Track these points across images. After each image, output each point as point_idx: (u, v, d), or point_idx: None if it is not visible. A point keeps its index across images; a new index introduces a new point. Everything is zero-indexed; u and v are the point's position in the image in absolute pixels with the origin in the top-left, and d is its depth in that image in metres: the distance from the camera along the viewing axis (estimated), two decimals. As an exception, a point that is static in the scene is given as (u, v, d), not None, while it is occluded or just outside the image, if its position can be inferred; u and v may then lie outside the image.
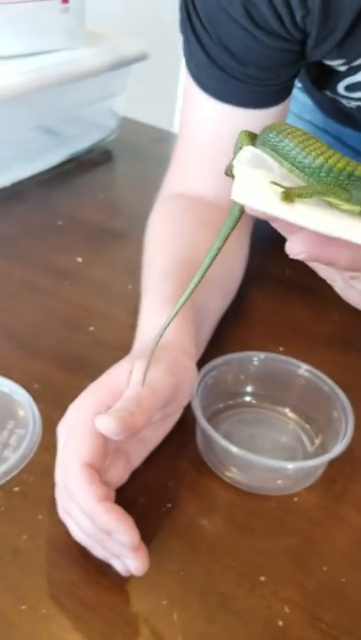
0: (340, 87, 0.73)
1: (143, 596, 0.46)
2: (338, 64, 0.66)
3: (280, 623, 0.45)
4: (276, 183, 0.31)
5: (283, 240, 0.33)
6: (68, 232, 0.87)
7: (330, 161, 0.31)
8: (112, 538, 0.44)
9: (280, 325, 0.73)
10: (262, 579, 0.48)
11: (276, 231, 0.36)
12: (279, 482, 0.55)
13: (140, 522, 0.45)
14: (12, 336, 0.67)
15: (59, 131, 1.03)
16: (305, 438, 0.60)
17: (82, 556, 0.47)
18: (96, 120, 1.07)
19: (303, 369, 0.60)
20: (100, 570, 0.47)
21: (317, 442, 0.59)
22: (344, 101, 0.79)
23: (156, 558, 0.47)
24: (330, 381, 0.59)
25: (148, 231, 0.71)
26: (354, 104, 0.78)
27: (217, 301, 0.67)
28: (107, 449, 0.47)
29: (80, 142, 1.04)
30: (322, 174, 0.32)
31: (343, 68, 0.67)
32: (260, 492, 0.54)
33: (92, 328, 0.70)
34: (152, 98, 1.32)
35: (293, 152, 0.32)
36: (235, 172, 0.33)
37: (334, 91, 0.74)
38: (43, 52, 0.88)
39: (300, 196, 0.31)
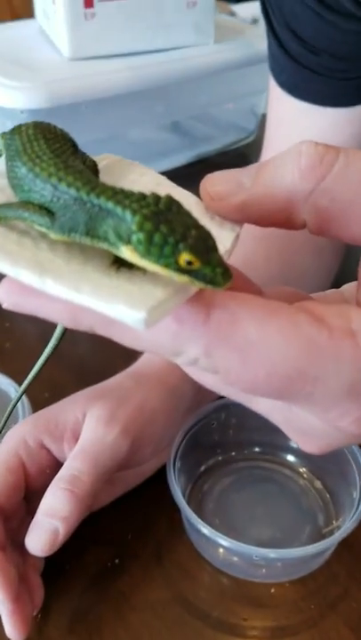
0: None
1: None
2: None
3: None
4: None
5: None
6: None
7: (36, 169, 0.23)
8: None
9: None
10: None
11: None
12: (256, 571, 0.45)
13: (74, 572, 0.41)
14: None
15: (190, 131, 0.98)
16: (321, 516, 0.49)
17: None
18: (232, 119, 1.00)
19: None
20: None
21: (336, 524, 0.48)
22: None
23: (70, 622, 0.41)
24: (358, 451, 0.47)
25: None
26: None
27: None
28: (24, 488, 0.43)
29: (211, 143, 0.98)
30: (25, 187, 0.23)
31: None
32: (238, 575, 0.45)
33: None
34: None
35: (13, 155, 0.24)
36: None
37: None
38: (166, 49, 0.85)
39: None
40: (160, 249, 0.21)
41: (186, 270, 0.21)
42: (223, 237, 0.24)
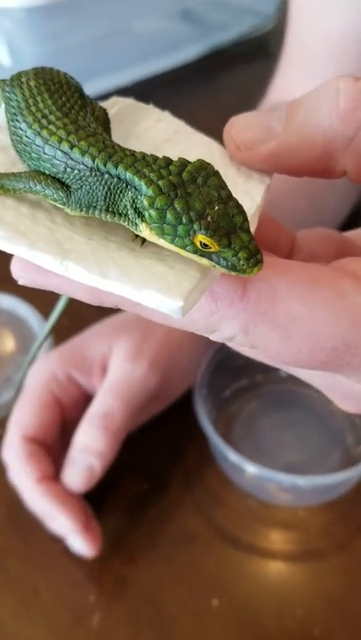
0: None
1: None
2: None
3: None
4: None
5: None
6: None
7: (44, 131, 0.21)
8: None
9: None
10: (214, 602, 0.42)
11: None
12: (285, 495, 0.46)
13: (104, 499, 0.42)
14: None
15: (201, 18, 0.92)
16: (350, 437, 0.49)
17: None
18: (249, 4, 0.94)
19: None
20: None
21: (365, 446, 0.48)
22: None
23: (104, 549, 0.43)
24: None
25: None
26: None
27: None
28: (61, 421, 0.44)
29: (227, 32, 0.92)
30: (33, 155, 0.21)
31: None
32: (267, 499, 0.47)
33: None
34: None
35: (15, 113, 0.22)
36: None
37: None
38: None
39: None
40: (173, 229, 0.19)
41: (205, 253, 0.19)
42: (252, 191, 0.22)
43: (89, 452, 0.41)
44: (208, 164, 0.20)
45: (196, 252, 0.19)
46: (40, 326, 0.53)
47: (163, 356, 0.44)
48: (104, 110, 0.24)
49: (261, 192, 0.22)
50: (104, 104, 0.24)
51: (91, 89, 0.25)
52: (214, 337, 0.21)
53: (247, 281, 0.20)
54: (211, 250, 0.19)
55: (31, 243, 0.20)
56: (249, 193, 0.22)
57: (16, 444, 0.42)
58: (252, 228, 0.21)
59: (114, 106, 0.25)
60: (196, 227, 0.19)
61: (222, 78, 0.89)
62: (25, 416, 0.43)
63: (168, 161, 0.20)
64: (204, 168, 0.20)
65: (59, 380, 0.44)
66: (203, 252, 0.19)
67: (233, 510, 0.46)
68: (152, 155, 0.20)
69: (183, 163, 0.20)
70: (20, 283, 0.21)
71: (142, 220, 0.20)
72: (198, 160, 0.20)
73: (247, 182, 0.22)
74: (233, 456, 0.43)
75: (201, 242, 0.19)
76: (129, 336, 0.45)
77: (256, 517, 0.46)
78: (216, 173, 0.20)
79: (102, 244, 0.20)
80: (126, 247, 0.20)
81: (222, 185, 0.20)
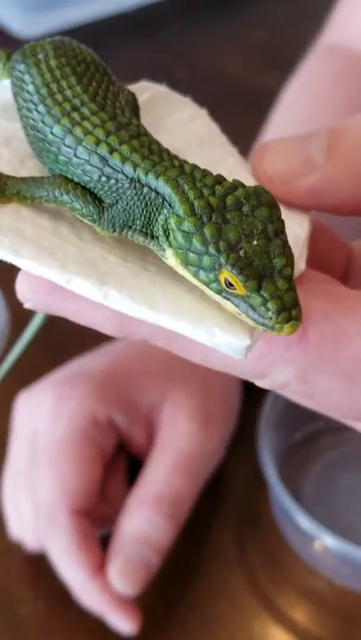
0: None
1: None
2: None
3: None
4: None
5: None
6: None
7: (77, 129, 0.19)
8: None
9: None
10: None
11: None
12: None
13: None
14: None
15: None
16: None
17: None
18: None
19: None
20: None
21: None
22: None
23: None
24: None
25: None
26: None
27: None
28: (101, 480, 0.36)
29: None
30: (61, 157, 0.19)
31: None
32: (351, 586, 0.37)
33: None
34: None
35: (32, 101, 0.19)
36: None
37: None
38: None
39: (5, 193, 0.19)
40: (199, 259, 0.17)
41: (230, 295, 0.17)
42: (296, 217, 0.20)
43: (150, 545, 0.33)
44: (267, 192, 0.18)
45: (220, 291, 0.17)
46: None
47: (226, 421, 0.38)
48: (133, 96, 0.22)
49: (306, 222, 0.20)
50: (132, 88, 0.23)
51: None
52: (263, 383, 0.20)
53: (308, 317, 0.18)
54: (237, 292, 0.17)
55: (62, 264, 0.18)
56: (293, 218, 0.20)
57: (64, 525, 0.33)
58: (299, 267, 0.19)
59: (144, 92, 0.23)
60: (222, 259, 0.17)
61: (250, 8, 0.74)
62: (69, 482, 0.34)
63: (218, 180, 0.18)
64: (257, 196, 0.18)
65: (100, 425, 0.36)
66: (228, 293, 0.17)
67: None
68: (204, 170, 0.18)
69: (235, 185, 0.18)
70: (27, 306, 0.19)
71: (169, 245, 0.18)
72: (256, 186, 0.18)
73: (288, 209, 0.20)
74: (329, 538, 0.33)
75: (226, 279, 0.17)
76: (187, 389, 0.38)
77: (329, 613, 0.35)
78: (271, 205, 0.18)
79: (140, 265, 0.19)
80: (167, 271, 0.19)
81: (273, 219, 0.18)
